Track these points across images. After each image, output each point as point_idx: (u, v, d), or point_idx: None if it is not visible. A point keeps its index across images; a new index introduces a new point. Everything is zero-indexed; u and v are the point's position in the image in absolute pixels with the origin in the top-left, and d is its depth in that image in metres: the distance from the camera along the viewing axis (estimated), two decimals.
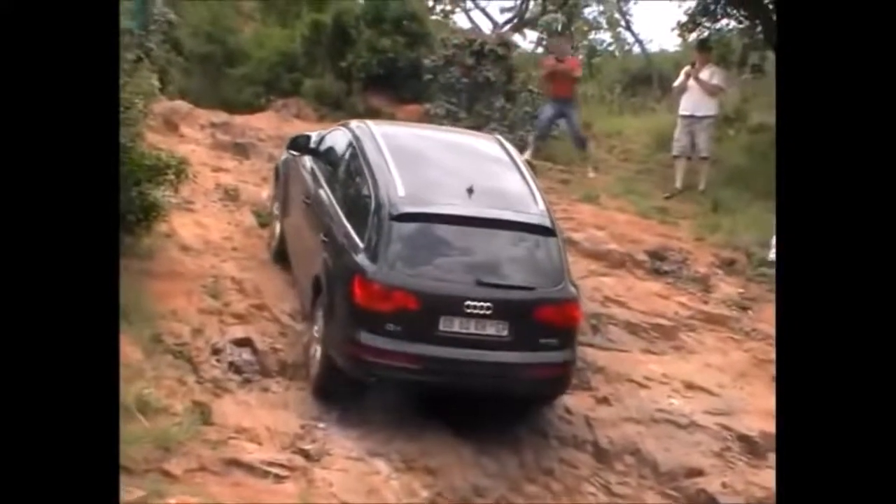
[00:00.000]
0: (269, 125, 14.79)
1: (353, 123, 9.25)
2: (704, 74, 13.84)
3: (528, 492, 7.11)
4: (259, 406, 7.35)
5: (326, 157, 9.22)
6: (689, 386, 8.56)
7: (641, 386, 8.49)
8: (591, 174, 14.51)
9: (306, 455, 6.87)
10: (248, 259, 9.48)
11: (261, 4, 23.68)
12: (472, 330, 7.41)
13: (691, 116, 13.88)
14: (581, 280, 10.21)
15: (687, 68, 14.14)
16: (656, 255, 11.34)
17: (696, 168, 14.05)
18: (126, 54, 9.11)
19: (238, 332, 8.07)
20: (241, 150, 13.25)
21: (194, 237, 9.57)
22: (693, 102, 13.87)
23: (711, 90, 13.83)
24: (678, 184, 13.95)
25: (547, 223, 7.88)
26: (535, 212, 7.96)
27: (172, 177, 8.76)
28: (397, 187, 7.73)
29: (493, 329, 7.44)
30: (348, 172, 8.57)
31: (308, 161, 9.46)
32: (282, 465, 6.60)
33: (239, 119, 14.61)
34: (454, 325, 7.39)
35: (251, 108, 16.90)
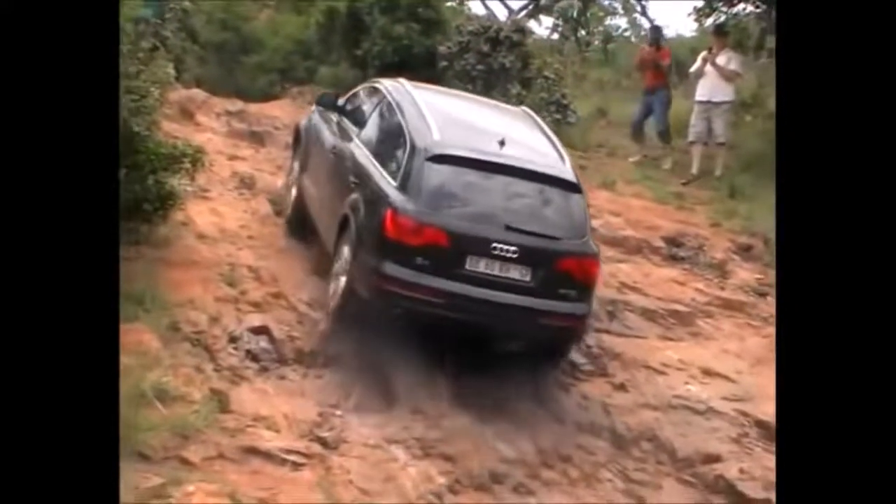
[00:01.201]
0: (284, 113, 14.79)
1: (386, 80, 9.61)
2: (721, 59, 13.80)
3: (545, 478, 7.11)
4: (276, 394, 7.36)
5: (356, 112, 9.55)
6: (707, 372, 8.55)
7: (658, 372, 8.48)
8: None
9: (324, 443, 6.88)
10: (264, 247, 9.48)
11: None
12: (497, 272, 7.67)
13: (708, 102, 13.85)
14: None
15: (704, 53, 14.11)
16: (673, 241, 11.33)
17: (713, 154, 14.02)
18: (142, 43, 9.13)
19: (255, 320, 8.06)
20: (256, 139, 13.27)
21: (210, 225, 9.57)
22: (709, 88, 13.84)
23: (728, 75, 13.79)
24: (694, 170, 13.93)
25: (574, 179, 8.19)
26: (562, 168, 8.27)
27: (188, 165, 8.76)
28: (433, 132, 8.05)
29: (516, 273, 7.70)
30: (381, 122, 8.90)
31: (333, 119, 9.76)
32: (299, 453, 6.61)
33: (254, 107, 14.63)
34: (480, 266, 7.65)
35: (266, 96, 16.92)
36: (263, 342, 7.87)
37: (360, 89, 10.04)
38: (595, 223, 11.14)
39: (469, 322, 7.69)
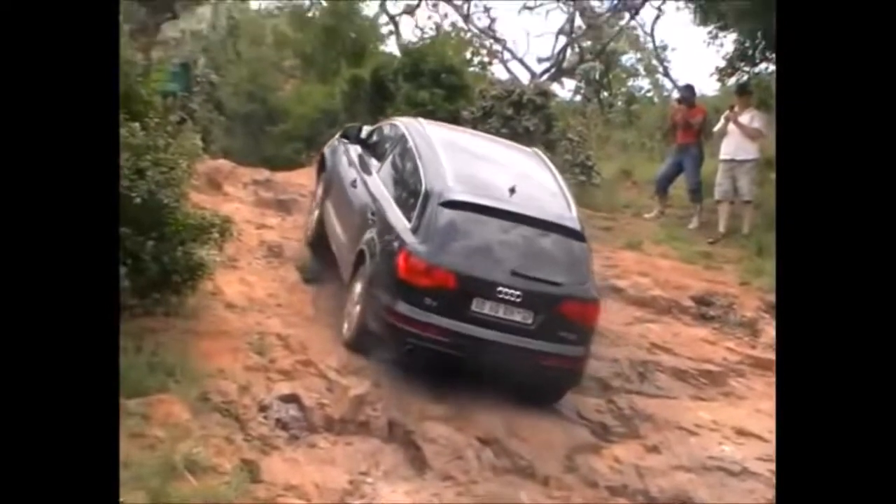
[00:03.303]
0: (310, 181, 14.86)
1: (405, 119, 10.22)
2: (744, 118, 13.81)
3: None
4: (307, 462, 7.34)
5: (376, 147, 10.07)
6: (740, 432, 8.44)
7: (691, 433, 8.39)
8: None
9: None
10: (293, 315, 9.50)
11: (300, 62, 23.99)
12: (501, 314, 8.15)
13: (732, 160, 13.83)
14: (627, 327, 10.21)
15: (727, 112, 14.12)
16: (702, 300, 11.26)
17: (740, 212, 13.98)
18: (170, 116, 9.25)
19: (284, 388, 8.06)
20: (283, 207, 13.33)
21: (239, 295, 9.61)
22: (733, 146, 13.83)
23: (751, 134, 13.78)
24: (722, 228, 13.87)
25: (578, 228, 8.62)
26: (568, 216, 8.70)
27: (217, 235, 8.83)
28: (447, 177, 8.51)
29: (519, 316, 8.17)
30: (399, 161, 9.34)
31: (355, 151, 10.29)
32: None
33: (280, 176, 14.71)
34: (485, 308, 8.13)
35: (292, 164, 17.04)
36: (293, 410, 7.87)
37: (382, 125, 10.56)
38: (623, 283, 11.20)
39: (473, 361, 8.04)
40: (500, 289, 8.08)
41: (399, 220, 8.51)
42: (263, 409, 7.79)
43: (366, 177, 9.61)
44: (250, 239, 11.19)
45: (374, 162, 9.83)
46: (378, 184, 9.31)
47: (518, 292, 8.10)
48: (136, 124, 8.12)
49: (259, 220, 12.33)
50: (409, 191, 8.75)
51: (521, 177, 9.08)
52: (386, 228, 8.57)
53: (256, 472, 6.91)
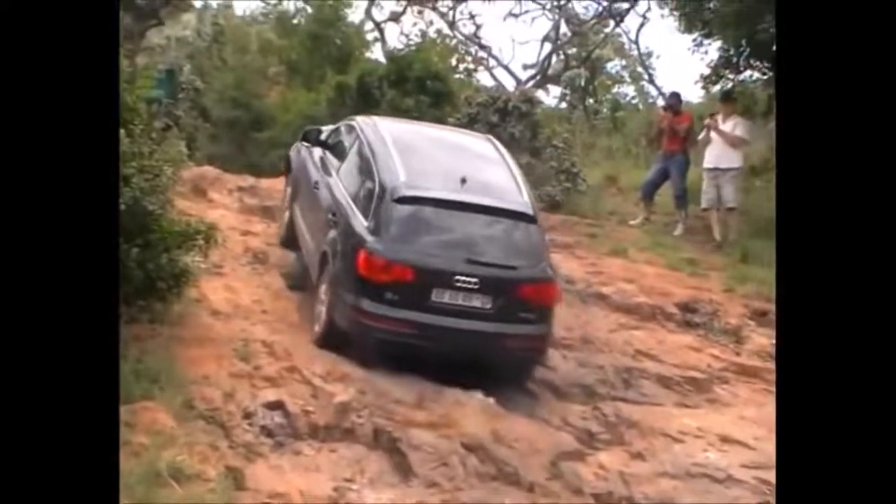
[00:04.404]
0: None
1: (361, 118, 10.47)
2: (727, 126, 13.86)
3: None
4: (292, 469, 7.31)
5: (335, 148, 10.39)
6: (725, 439, 8.45)
7: (676, 440, 8.39)
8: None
9: None
10: (278, 322, 9.49)
11: (285, 68, 24.00)
12: (460, 302, 8.47)
13: (716, 168, 13.90)
14: (611, 334, 10.24)
15: (707, 120, 14.18)
16: (687, 307, 11.30)
17: (724, 219, 14.02)
18: (154, 123, 9.22)
19: (269, 395, 8.03)
20: (268, 214, 13.32)
21: (224, 301, 9.60)
22: (716, 155, 13.90)
23: (734, 142, 13.85)
24: (717, 236, 13.91)
25: (530, 212, 8.92)
26: (519, 201, 9.01)
27: (202, 242, 8.80)
28: (399, 173, 8.80)
29: (478, 302, 8.49)
30: (355, 160, 9.64)
31: (317, 152, 10.65)
32: None
33: (266, 182, 14.70)
34: (445, 297, 8.46)
35: (277, 171, 17.01)
36: (278, 417, 7.84)
37: (340, 125, 10.80)
38: (608, 290, 11.24)
39: (438, 349, 8.36)
40: (457, 277, 8.38)
41: (357, 219, 8.79)
42: (248, 415, 7.76)
43: (327, 178, 9.92)
44: (235, 246, 11.17)
45: (334, 162, 10.13)
46: (338, 184, 9.61)
47: (475, 279, 8.41)
48: (121, 131, 8.09)
49: (244, 226, 12.32)
50: (366, 189, 9.03)
51: (473, 165, 9.41)
52: (346, 228, 8.86)
53: (241, 479, 6.88)
